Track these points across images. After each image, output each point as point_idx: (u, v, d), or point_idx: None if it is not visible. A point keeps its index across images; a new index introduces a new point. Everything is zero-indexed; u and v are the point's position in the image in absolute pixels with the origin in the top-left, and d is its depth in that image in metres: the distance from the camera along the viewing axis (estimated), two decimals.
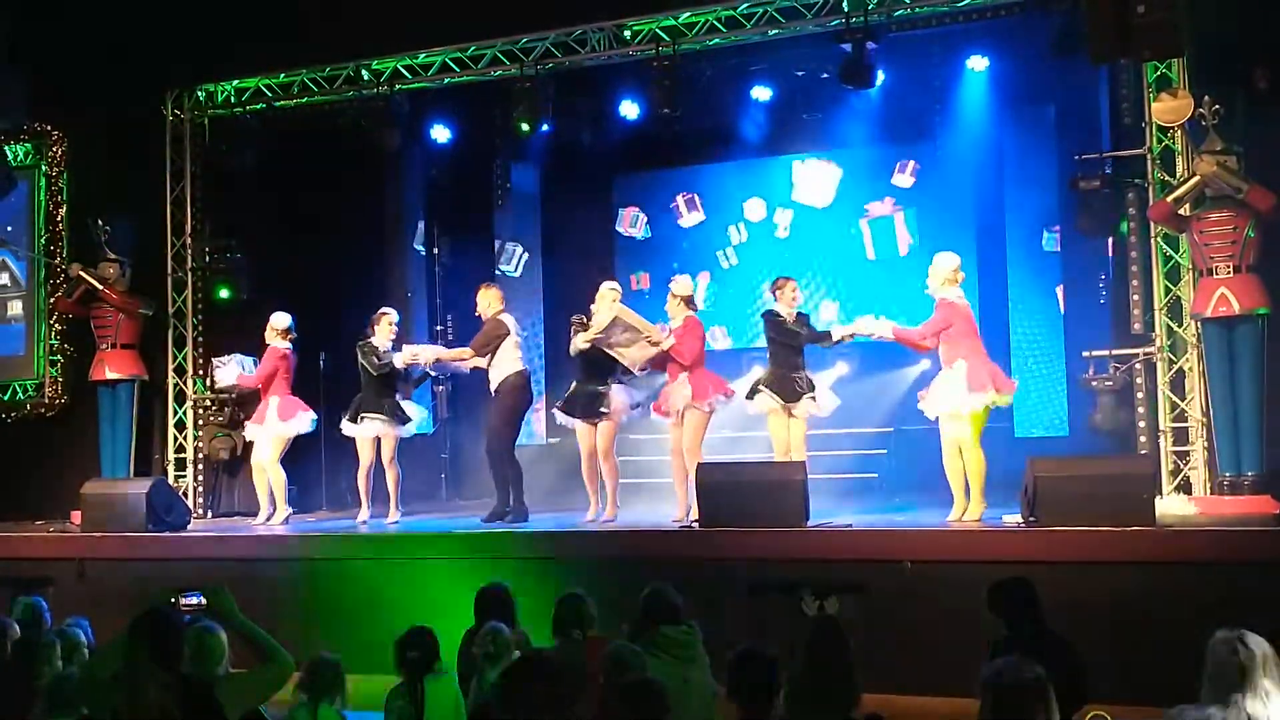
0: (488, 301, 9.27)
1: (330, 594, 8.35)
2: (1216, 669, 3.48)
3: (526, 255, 12.73)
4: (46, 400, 11.91)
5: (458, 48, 10.62)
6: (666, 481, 9.12)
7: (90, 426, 11.30)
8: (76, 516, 9.94)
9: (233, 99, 11.50)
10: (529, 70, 10.36)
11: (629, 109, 10.79)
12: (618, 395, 8.77)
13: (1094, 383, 9.15)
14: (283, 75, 11.24)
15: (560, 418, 9.06)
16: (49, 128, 12.05)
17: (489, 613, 5.54)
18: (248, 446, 10.66)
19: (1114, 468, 7.55)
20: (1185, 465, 8.60)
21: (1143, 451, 8.62)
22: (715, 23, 9.91)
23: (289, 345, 9.90)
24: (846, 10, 9.44)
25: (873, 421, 10.80)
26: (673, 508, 8.74)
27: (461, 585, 6.83)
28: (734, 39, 10.06)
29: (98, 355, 11.21)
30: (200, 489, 11.43)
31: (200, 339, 11.53)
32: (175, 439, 11.50)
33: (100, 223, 11.16)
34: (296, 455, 10.15)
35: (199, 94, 11.56)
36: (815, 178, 12.13)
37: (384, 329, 9.43)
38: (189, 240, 11.54)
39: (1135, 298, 8.98)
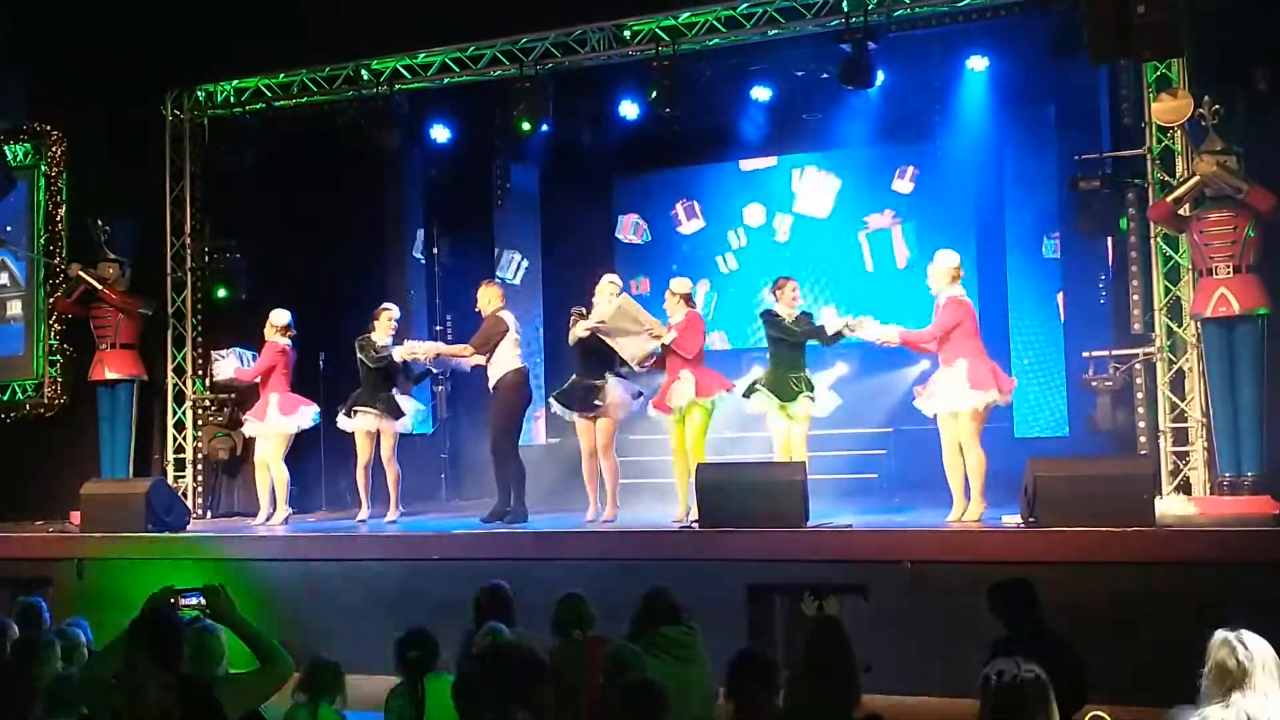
0: (487, 298, 9.27)
1: (330, 594, 8.35)
2: (1216, 669, 3.48)
3: (526, 263, 12.73)
4: (46, 400, 11.89)
5: (457, 48, 10.61)
6: (666, 481, 9.12)
7: (90, 426, 11.29)
8: (76, 517, 9.94)
9: (232, 99, 11.50)
10: (529, 70, 10.36)
11: (629, 109, 10.80)
12: (614, 389, 8.76)
13: (1094, 383, 9.14)
14: (282, 75, 11.24)
15: (556, 407, 9.04)
16: (49, 128, 12.03)
17: (488, 613, 5.54)
18: (247, 446, 10.67)
19: (1114, 468, 7.55)
20: (1185, 465, 8.60)
21: (1142, 452, 8.61)
22: (715, 23, 9.90)
23: (288, 341, 9.89)
24: (846, 10, 9.43)
25: (872, 421, 10.82)
26: (673, 508, 8.73)
27: (461, 585, 6.82)
28: (734, 39, 10.05)
29: (97, 355, 11.20)
30: (199, 489, 11.42)
31: (200, 339, 11.52)
32: (175, 439, 11.49)
33: (100, 223, 11.16)
34: (296, 455, 10.13)
35: (199, 94, 11.56)
36: (815, 189, 12.17)
37: (384, 324, 9.46)
38: (188, 240, 11.54)
39: (1135, 298, 8.97)
